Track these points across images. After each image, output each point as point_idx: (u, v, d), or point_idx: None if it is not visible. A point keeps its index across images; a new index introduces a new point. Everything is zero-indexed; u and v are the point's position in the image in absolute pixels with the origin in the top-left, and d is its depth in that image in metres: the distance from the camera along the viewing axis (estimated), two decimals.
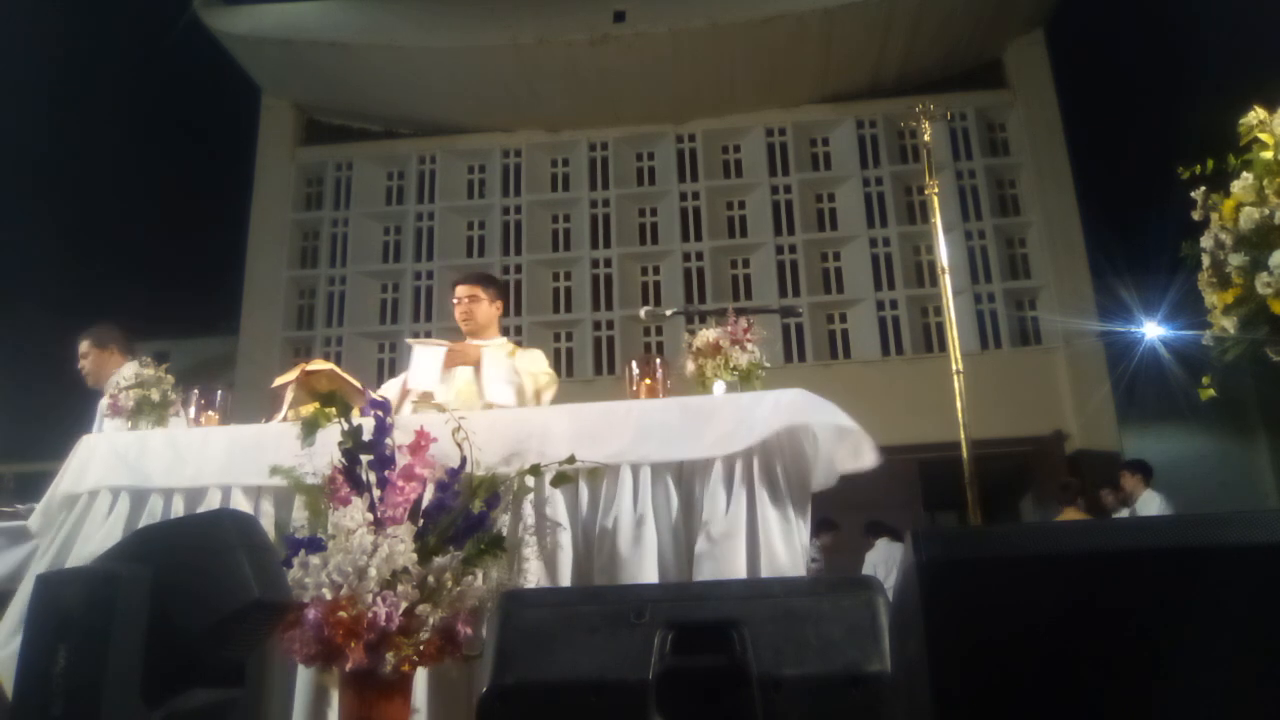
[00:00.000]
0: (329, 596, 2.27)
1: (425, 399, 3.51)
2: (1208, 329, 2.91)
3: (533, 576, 2.59)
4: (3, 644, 2.60)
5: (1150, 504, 6.58)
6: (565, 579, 2.64)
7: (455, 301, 4.04)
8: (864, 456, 2.71)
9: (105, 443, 3.03)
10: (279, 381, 3.19)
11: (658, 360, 3.02)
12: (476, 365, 3.68)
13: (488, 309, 4.01)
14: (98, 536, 2.81)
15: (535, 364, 3.85)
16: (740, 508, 2.67)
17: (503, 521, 2.61)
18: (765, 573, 2.56)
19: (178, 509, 2.89)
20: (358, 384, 3.14)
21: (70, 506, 2.97)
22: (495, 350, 3.85)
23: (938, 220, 4.21)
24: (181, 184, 13.22)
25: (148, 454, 2.97)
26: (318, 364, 3.17)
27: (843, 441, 2.69)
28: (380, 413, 2.57)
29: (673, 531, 2.68)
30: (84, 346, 3.95)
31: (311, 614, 2.26)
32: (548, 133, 12.15)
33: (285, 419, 3.04)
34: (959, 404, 3.84)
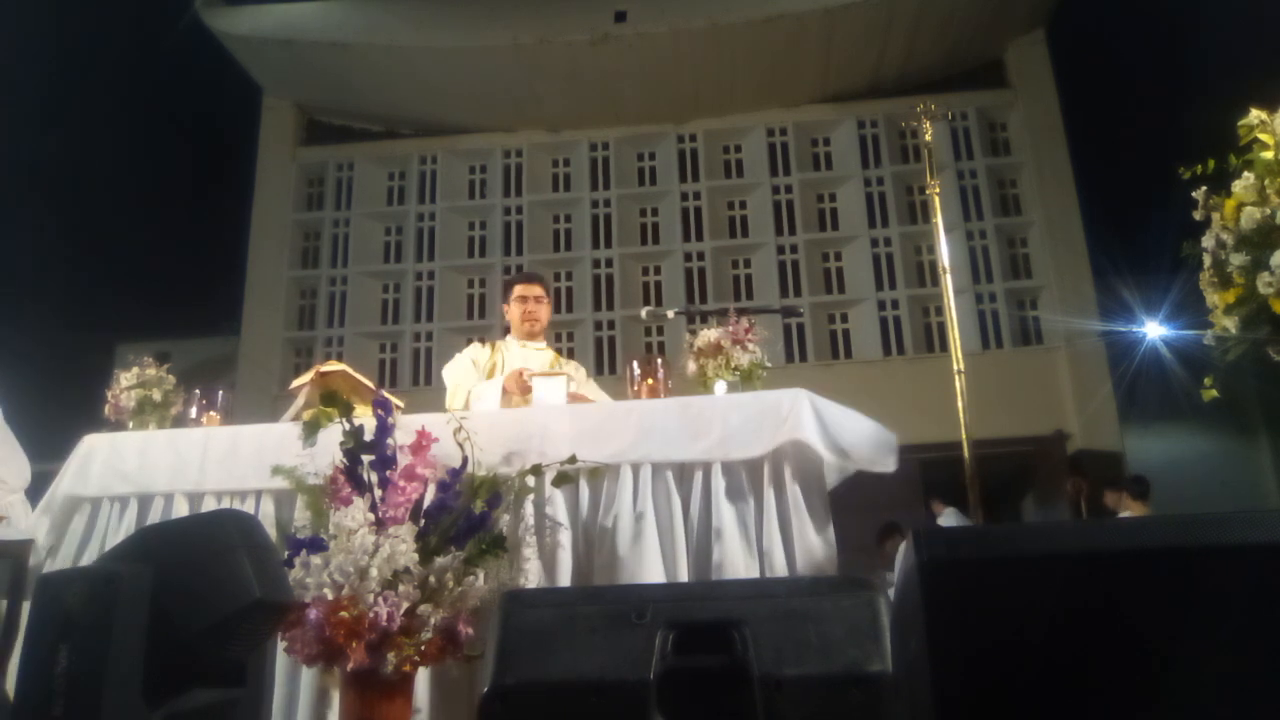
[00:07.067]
0: (330, 596, 2.28)
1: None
2: (1209, 329, 2.91)
3: (533, 576, 2.59)
4: None
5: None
6: (566, 579, 2.64)
7: (519, 299, 3.86)
8: (882, 463, 2.71)
9: (108, 446, 3.02)
10: (296, 384, 3.19)
11: (659, 360, 3.02)
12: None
13: (548, 311, 3.99)
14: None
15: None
16: (749, 509, 2.67)
17: (504, 521, 2.61)
18: (774, 573, 2.56)
19: (182, 513, 2.89)
20: (371, 384, 3.14)
21: (75, 510, 2.97)
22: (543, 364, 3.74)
23: (939, 220, 4.20)
24: (183, 184, 13.24)
25: (150, 459, 2.96)
26: (332, 365, 3.17)
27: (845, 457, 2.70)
28: (381, 412, 2.57)
29: (673, 531, 2.68)
30: None
31: (313, 614, 2.26)
32: (549, 133, 12.14)
33: (297, 418, 3.03)
34: (960, 404, 3.84)
